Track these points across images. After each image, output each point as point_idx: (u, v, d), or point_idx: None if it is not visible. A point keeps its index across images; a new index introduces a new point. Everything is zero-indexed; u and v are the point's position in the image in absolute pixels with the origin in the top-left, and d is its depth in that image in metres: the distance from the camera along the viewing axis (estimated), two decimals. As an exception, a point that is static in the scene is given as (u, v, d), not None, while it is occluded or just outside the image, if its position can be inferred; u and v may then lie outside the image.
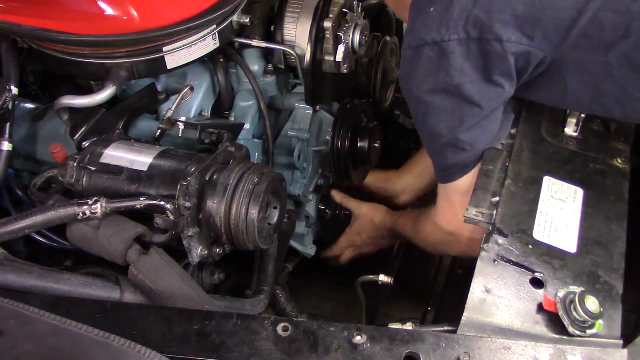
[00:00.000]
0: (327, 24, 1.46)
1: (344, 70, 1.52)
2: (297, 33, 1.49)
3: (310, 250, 1.77)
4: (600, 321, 0.91)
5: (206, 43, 1.33)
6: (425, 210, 1.49)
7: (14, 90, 1.21)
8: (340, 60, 1.48)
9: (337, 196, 1.78)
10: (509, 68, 1.08)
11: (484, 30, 1.05)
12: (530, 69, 1.10)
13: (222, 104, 1.51)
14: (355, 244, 1.84)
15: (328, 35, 1.48)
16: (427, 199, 1.90)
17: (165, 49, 1.26)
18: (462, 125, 1.14)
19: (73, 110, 1.22)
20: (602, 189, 1.17)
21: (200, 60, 1.37)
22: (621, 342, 0.92)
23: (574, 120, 1.29)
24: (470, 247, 1.30)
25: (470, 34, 1.05)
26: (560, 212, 1.11)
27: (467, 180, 1.21)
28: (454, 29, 1.06)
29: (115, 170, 1.14)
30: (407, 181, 1.83)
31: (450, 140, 1.17)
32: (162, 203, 1.06)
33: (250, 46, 1.47)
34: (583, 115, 1.28)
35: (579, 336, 0.91)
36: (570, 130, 1.29)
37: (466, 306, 0.96)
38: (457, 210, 1.26)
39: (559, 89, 1.15)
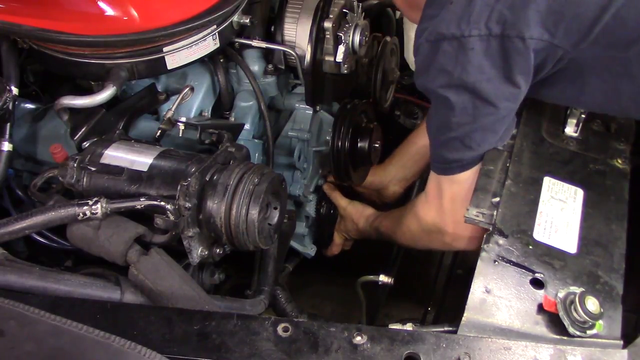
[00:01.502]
0: (327, 24, 1.46)
1: (344, 70, 1.52)
2: (297, 33, 1.49)
3: (310, 250, 1.78)
4: (600, 321, 0.92)
5: (206, 43, 1.33)
6: (409, 204, 1.49)
7: (14, 90, 1.21)
8: (340, 60, 1.48)
9: (328, 190, 1.78)
10: (529, 66, 1.06)
11: (507, 26, 1.02)
12: (548, 66, 1.08)
13: (222, 104, 1.51)
14: (346, 238, 1.86)
15: (328, 36, 1.48)
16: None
17: (165, 49, 1.26)
18: (474, 123, 1.13)
19: (73, 111, 1.22)
20: (602, 189, 1.17)
21: (200, 61, 1.37)
22: (621, 342, 0.92)
23: (574, 121, 1.29)
24: (453, 241, 1.29)
25: (491, 30, 1.03)
26: (560, 212, 1.11)
27: (463, 176, 1.20)
28: (475, 25, 1.03)
29: (116, 171, 1.14)
30: (392, 172, 1.82)
31: (459, 135, 1.15)
32: (162, 203, 1.06)
33: (250, 46, 1.47)
34: (583, 116, 1.29)
35: (579, 336, 0.91)
36: (570, 130, 1.29)
37: (466, 306, 0.96)
38: (444, 201, 1.25)
39: (576, 87, 1.13)
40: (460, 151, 1.18)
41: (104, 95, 1.20)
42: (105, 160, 1.16)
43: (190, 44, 1.29)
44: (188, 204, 1.07)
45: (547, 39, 1.03)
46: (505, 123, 1.17)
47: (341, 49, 1.48)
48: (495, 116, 1.13)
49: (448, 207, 1.25)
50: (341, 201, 1.78)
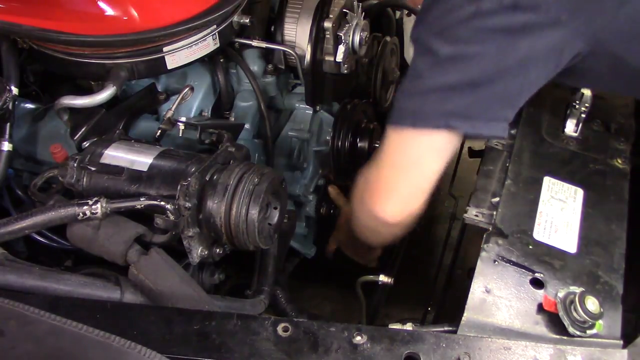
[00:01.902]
0: (327, 24, 1.46)
1: (344, 70, 1.52)
2: (297, 33, 1.49)
3: (310, 250, 1.78)
4: (600, 321, 0.92)
5: (206, 43, 1.33)
6: None
7: (14, 90, 1.21)
8: (340, 60, 1.48)
9: (333, 191, 1.78)
10: (532, 48, 1.00)
11: None
12: (563, 59, 1.03)
13: (222, 104, 1.51)
14: (341, 243, 1.83)
15: (328, 36, 1.48)
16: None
17: (165, 49, 1.26)
18: (444, 78, 1.05)
19: (73, 110, 1.22)
20: (602, 189, 1.17)
21: (200, 61, 1.37)
22: (621, 342, 0.92)
23: (574, 121, 1.29)
24: (379, 209, 1.20)
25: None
26: (560, 212, 1.11)
27: (410, 133, 1.12)
28: None
29: (116, 171, 1.14)
30: None
31: (424, 87, 1.08)
32: (162, 203, 1.06)
33: (250, 46, 1.47)
34: (583, 115, 1.29)
35: (579, 336, 0.91)
36: (570, 130, 1.29)
37: (466, 306, 0.96)
38: (383, 157, 1.18)
39: (595, 73, 1.09)
40: (419, 102, 1.10)
41: (104, 95, 1.20)
42: (105, 160, 1.16)
43: (190, 44, 1.29)
44: (188, 204, 1.07)
45: (565, 19, 0.97)
46: (473, 94, 1.06)
47: (341, 49, 1.48)
48: (468, 79, 1.05)
49: (383, 166, 1.17)
50: (343, 201, 1.77)
